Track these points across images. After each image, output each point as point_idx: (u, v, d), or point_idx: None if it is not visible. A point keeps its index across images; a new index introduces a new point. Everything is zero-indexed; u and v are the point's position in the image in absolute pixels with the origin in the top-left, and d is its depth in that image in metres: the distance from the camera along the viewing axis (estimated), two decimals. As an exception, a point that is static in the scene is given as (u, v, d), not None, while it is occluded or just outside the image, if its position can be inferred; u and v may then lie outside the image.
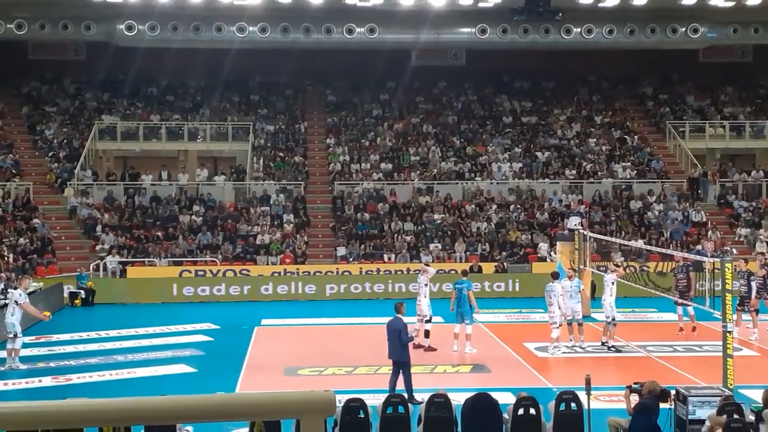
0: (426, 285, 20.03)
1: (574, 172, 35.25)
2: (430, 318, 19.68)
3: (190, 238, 31.11)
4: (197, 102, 38.52)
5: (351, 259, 30.43)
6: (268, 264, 30.16)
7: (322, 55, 36.56)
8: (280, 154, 36.28)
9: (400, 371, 14.84)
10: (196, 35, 33.31)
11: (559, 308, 19.16)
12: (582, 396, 11.45)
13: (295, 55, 35.77)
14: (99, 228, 31.25)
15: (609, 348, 19.27)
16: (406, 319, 15.13)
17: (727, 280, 15.07)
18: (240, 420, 3.45)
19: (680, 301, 20.61)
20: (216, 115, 37.56)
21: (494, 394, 11.84)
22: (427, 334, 19.54)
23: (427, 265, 22.18)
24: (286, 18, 33.30)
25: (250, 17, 32.87)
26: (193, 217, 32.28)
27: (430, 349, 19.28)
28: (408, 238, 31.44)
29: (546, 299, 19.41)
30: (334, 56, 36.72)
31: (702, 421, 11.10)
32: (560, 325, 19.16)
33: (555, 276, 20.13)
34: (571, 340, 19.59)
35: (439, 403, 11.31)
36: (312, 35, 33.29)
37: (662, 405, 11.60)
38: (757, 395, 12.54)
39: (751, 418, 11.12)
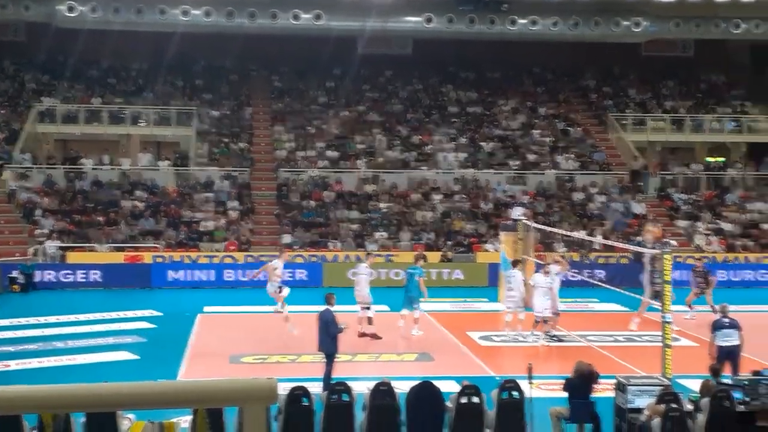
0: (368, 274, 20.09)
1: (518, 162, 35.53)
2: (369, 306, 19.77)
3: (132, 223, 30.68)
4: (140, 85, 37.94)
5: (296, 247, 30.29)
6: (212, 251, 29.88)
7: (267, 40, 36.26)
8: (225, 139, 35.92)
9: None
10: (139, 17, 32.75)
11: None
12: (524, 384, 11.57)
13: (240, 40, 35.41)
14: (38, 212, 30.64)
15: (551, 338, 19.50)
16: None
17: (666, 272, 15.32)
18: (181, 407, 3.39)
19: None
20: (159, 100, 37.01)
21: (438, 383, 11.89)
22: (370, 321, 19.58)
23: (369, 254, 22.21)
24: (231, 2, 32.94)
25: (194, 0, 32.43)
26: (136, 202, 31.83)
27: (375, 336, 19.31)
28: (353, 227, 31.40)
29: (506, 285, 19.81)
30: (279, 42, 36.45)
31: (641, 410, 11.30)
32: (514, 312, 19.57)
33: (515, 263, 20.59)
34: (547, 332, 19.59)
35: (383, 391, 11.33)
36: (257, 20, 32.95)
37: (596, 389, 11.92)
38: (694, 385, 12.80)
39: (689, 407, 11.34)
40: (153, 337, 20.00)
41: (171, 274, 28.18)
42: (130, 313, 22.83)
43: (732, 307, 15.81)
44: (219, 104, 37.83)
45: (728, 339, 14.70)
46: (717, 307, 17.01)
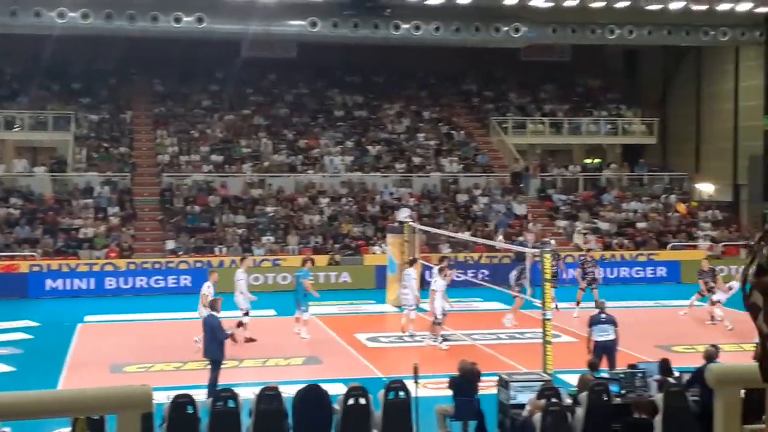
0: (244, 278, 19.85)
1: (404, 165, 35.89)
2: (248, 312, 19.58)
3: (7, 231, 29.57)
4: (14, 89, 36.58)
5: (181, 253, 29.78)
6: (91, 258, 29.08)
7: (148, 43, 35.47)
8: (105, 144, 35.03)
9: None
10: (13, 20, 31.45)
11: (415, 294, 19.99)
12: (410, 384, 11.69)
13: (119, 42, 34.54)
14: None
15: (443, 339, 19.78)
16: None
17: (546, 270, 15.75)
18: (54, 416, 3.32)
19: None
20: (35, 104, 35.78)
21: (326, 386, 11.93)
22: (239, 324, 19.23)
23: (243, 258, 21.86)
24: (110, 4, 32.04)
25: (72, 2, 31.45)
26: (10, 209, 30.69)
27: (249, 340, 19.10)
28: (240, 231, 31.09)
29: (401, 283, 20.12)
30: (161, 45, 35.73)
31: (523, 406, 11.57)
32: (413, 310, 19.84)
33: (412, 262, 20.86)
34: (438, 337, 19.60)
35: (270, 395, 11.26)
36: (137, 23, 32.15)
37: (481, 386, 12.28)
38: (574, 379, 13.19)
39: (568, 401, 11.68)
40: (30, 348, 19.37)
41: (49, 283, 27.30)
42: (5, 324, 22.00)
43: (609, 303, 16.37)
44: (98, 108, 36.86)
45: (604, 334, 15.21)
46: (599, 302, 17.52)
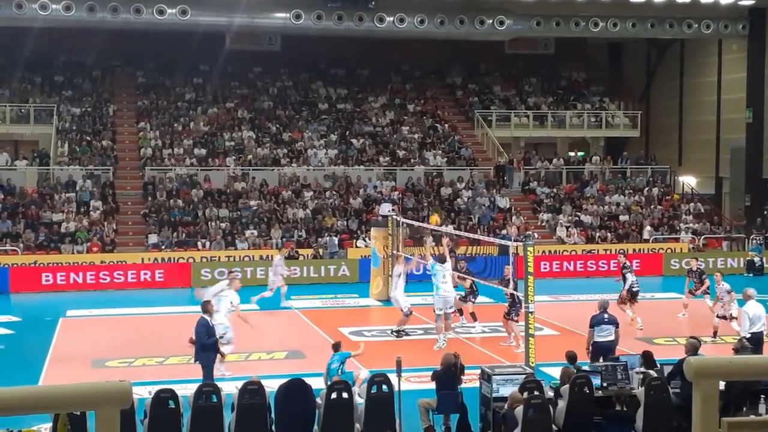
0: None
1: (388, 159, 35.87)
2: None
3: (-11, 226, 29.39)
4: (-4, 82, 36.33)
5: (163, 247, 29.67)
6: (73, 253, 28.92)
7: (131, 35, 35.30)
8: (87, 137, 34.83)
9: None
10: (-6, 12, 31.25)
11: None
12: (393, 378, 11.69)
13: (102, 34, 34.31)
14: None
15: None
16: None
17: (529, 264, 15.78)
18: (31, 413, 3.29)
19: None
20: (17, 96, 35.56)
21: (309, 380, 11.90)
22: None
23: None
24: (93, -4, 31.85)
25: (54, -6, 31.21)
26: (-8, 203, 30.50)
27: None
28: (223, 225, 31.01)
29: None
30: (144, 37, 35.55)
31: (506, 399, 11.58)
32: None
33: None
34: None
35: (252, 390, 11.23)
36: (120, 15, 31.95)
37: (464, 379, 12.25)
38: (556, 372, 13.23)
39: (550, 394, 11.72)
40: (11, 343, 19.25)
41: (30, 278, 27.10)
42: (-14, 319, 21.87)
43: (589, 296, 16.36)
44: (80, 101, 36.65)
45: (605, 334, 14.82)
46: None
